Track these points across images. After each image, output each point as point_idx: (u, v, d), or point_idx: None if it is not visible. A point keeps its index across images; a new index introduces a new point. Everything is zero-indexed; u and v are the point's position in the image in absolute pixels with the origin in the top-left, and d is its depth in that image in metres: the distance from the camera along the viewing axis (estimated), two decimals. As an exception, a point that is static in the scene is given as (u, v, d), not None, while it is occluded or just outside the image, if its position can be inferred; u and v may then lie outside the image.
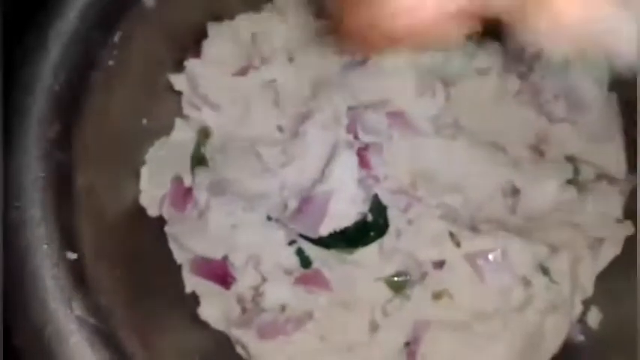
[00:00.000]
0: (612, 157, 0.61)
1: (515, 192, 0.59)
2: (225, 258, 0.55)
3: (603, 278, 0.58)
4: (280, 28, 0.64)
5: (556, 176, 0.59)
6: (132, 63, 0.56)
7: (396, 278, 0.55)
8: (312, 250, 0.55)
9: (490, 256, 0.53)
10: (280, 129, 0.62)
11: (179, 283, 0.58)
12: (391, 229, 0.56)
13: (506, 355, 0.53)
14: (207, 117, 0.62)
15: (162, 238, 0.58)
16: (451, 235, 0.54)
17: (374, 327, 0.54)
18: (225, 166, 0.60)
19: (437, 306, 0.53)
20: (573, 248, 0.57)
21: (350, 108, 0.58)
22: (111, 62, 0.54)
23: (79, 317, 0.45)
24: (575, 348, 0.57)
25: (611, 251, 0.58)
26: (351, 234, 0.55)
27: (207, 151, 0.62)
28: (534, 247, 0.54)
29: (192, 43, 0.62)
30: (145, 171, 0.59)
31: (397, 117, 0.59)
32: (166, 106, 0.62)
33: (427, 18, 0.40)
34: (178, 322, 0.56)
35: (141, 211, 0.58)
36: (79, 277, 0.47)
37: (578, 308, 0.57)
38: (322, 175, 0.56)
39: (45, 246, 0.47)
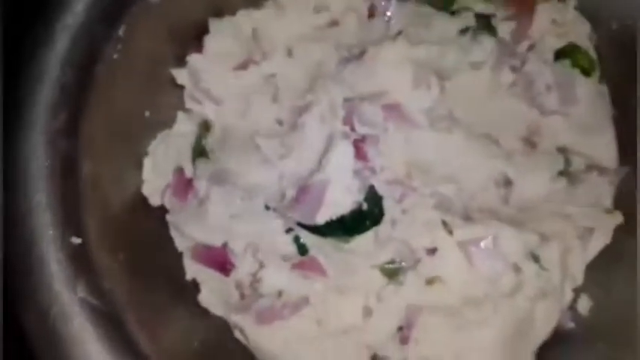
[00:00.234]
0: (603, 148, 0.62)
1: (507, 183, 0.60)
2: (224, 245, 0.57)
3: (593, 267, 0.59)
4: (280, 24, 0.66)
5: (548, 167, 0.60)
6: (135, 57, 0.58)
7: (390, 265, 0.56)
8: (308, 238, 0.57)
9: (482, 244, 0.55)
10: (279, 122, 0.63)
11: (180, 270, 0.59)
12: (386, 218, 0.57)
13: (497, 339, 0.54)
14: (209, 110, 0.64)
15: (163, 227, 0.60)
16: (444, 223, 0.56)
17: (368, 312, 0.55)
18: (226, 157, 0.61)
19: (429, 292, 0.54)
20: (564, 238, 0.58)
21: (346, 100, 0.59)
22: (115, 56, 0.56)
23: (82, 299, 0.47)
24: (566, 334, 0.58)
25: (601, 241, 0.60)
26: (348, 223, 0.56)
27: (208, 143, 0.63)
28: (525, 236, 0.56)
29: (194, 38, 0.64)
30: (147, 162, 0.61)
31: (393, 109, 0.60)
32: (169, 100, 0.64)
33: None
34: (179, 307, 0.57)
35: (143, 200, 0.60)
36: (83, 261, 0.49)
37: (569, 296, 0.59)
38: (319, 165, 0.57)
39: (50, 231, 0.48)
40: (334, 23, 0.66)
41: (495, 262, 0.55)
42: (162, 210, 0.60)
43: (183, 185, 0.60)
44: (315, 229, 0.56)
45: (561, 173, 0.60)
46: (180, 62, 0.64)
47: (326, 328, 0.54)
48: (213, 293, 0.58)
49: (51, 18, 0.53)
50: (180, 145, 0.63)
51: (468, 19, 0.64)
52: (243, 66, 0.64)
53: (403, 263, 0.56)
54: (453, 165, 0.60)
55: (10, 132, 0.50)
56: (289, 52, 0.65)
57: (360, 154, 0.57)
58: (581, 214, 0.59)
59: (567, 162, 0.61)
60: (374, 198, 0.57)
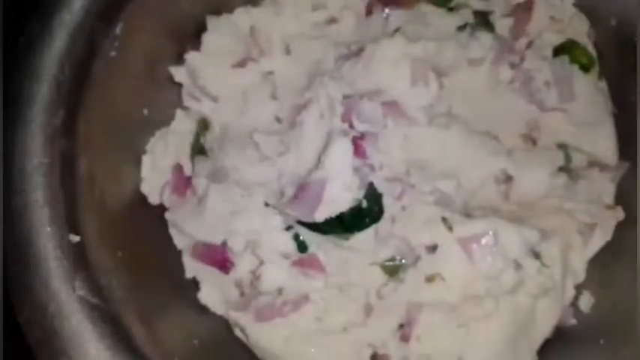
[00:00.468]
0: (603, 144, 0.62)
1: (507, 179, 0.60)
2: (224, 243, 0.57)
3: (595, 263, 0.59)
4: (278, 21, 0.66)
5: (548, 164, 0.60)
6: (133, 54, 0.58)
7: (390, 262, 0.56)
8: (308, 235, 0.56)
9: (482, 240, 0.54)
10: (278, 120, 0.63)
11: (179, 268, 0.59)
12: (386, 216, 0.57)
13: (499, 336, 0.54)
14: (207, 108, 0.64)
15: (162, 225, 0.60)
16: (444, 220, 0.55)
17: (368, 309, 0.55)
18: (224, 155, 0.61)
19: (430, 289, 0.54)
20: (565, 234, 0.57)
21: (345, 97, 0.59)
22: (113, 53, 0.56)
23: (80, 297, 0.47)
24: (567, 331, 0.58)
25: (602, 237, 0.59)
26: (347, 220, 0.56)
27: (207, 141, 0.63)
28: (526, 232, 0.55)
29: (192, 36, 0.64)
30: (146, 160, 0.61)
31: (392, 107, 0.60)
32: (167, 98, 0.64)
33: None
34: (178, 306, 0.57)
35: (142, 198, 0.60)
36: (81, 259, 0.48)
37: (570, 292, 0.58)
38: (318, 163, 0.57)
39: (48, 228, 0.48)
40: (332, 20, 0.66)
41: (496, 258, 0.54)
42: (161, 208, 0.60)
43: (182, 183, 0.60)
44: (315, 227, 0.56)
45: (561, 169, 0.60)
46: (179, 60, 0.63)
47: (326, 325, 0.54)
48: (213, 291, 0.58)
49: (48, 15, 0.53)
50: (178, 143, 0.62)
51: (466, 16, 0.64)
52: (241, 64, 0.64)
53: (403, 260, 0.56)
54: (452, 161, 0.60)
55: (7, 129, 0.50)
56: (287, 50, 0.65)
57: (358, 151, 0.57)
58: (582, 210, 0.59)
59: (567, 158, 0.61)
60: (373, 195, 0.57)
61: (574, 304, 0.58)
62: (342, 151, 0.56)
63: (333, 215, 0.55)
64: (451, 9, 0.65)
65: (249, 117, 0.63)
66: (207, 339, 0.56)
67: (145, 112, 0.61)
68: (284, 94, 0.63)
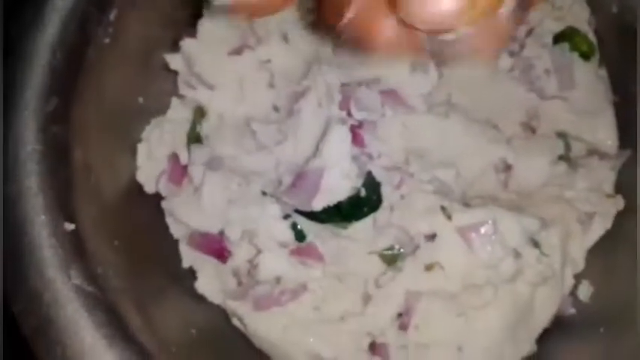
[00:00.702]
0: (603, 132, 0.62)
1: (507, 168, 0.60)
2: (221, 232, 0.56)
3: (595, 252, 0.59)
4: (275, 9, 0.65)
5: (547, 152, 0.60)
6: (128, 41, 0.57)
7: (388, 251, 0.55)
8: (306, 224, 0.56)
9: (481, 229, 0.54)
10: (276, 108, 0.62)
11: (176, 258, 0.59)
12: (384, 205, 0.56)
13: (498, 325, 0.53)
14: (203, 96, 0.63)
15: (159, 214, 0.59)
16: (443, 208, 0.55)
17: (367, 298, 0.54)
18: (221, 143, 0.60)
19: (429, 278, 0.54)
20: (564, 223, 0.57)
21: (343, 85, 0.58)
22: (107, 40, 0.55)
23: (76, 285, 0.46)
24: (567, 321, 0.57)
25: (601, 226, 0.59)
26: (345, 209, 0.56)
27: (203, 129, 0.62)
28: (525, 221, 0.55)
29: (188, 22, 0.63)
30: (141, 148, 0.60)
31: (390, 95, 0.59)
32: (162, 85, 0.63)
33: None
34: (175, 295, 0.57)
35: (138, 187, 0.59)
36: (76, 247, 0.48)
37: (570, 282, 0.58)
38: (316, 151, 0.56)
39: (42, 217, 0.47)
40: (330, 7, 0.65)
41: (495, 247, 0.54)
42: (158, 197, 0.59)
43: (179, 172, 0.59)
44: (313, 216, 0.56)
45: (561, 158, 0.60)
46: (174, 47, 0.62)
47: (324, 314, 0.54)
48: (210, 280, 0.57)
49: (41, 1, 0.52)
50: (174, 131, 0.62)
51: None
52: (237, 51, 0.63)
53: (402, 249, 0.55)
54: (451, 150, 0.59)
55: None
56: (285, 38, 0.64)
57: (357, 139, 0.57)
58: (582, 198, 0.59)
59: (567, 146, 0.61)
60: (372, 184, 0.56)
61: (573, 293, 0.58)
62: (340, 139, 0.56)
63: (331, 204, 0.55)
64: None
65: (246, 105, 0.63)
66: (205, 328, 0.55)
67: (140, 100, 0.61)
68: (281, 82, 0.62)
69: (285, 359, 0.55)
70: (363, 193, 0.56)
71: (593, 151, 0.61)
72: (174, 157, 0.60)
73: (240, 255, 0.56)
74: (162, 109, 0.63)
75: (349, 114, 0.58)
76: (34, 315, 0.45)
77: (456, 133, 0.59)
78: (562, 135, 0.61)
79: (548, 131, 0.61)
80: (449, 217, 0.55)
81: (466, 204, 0.57)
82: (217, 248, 0.56)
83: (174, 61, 0.63)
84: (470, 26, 0.34)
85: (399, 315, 0.54)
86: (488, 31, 0.36)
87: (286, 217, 0.56)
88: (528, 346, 0.55)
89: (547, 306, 0.56)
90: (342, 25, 0.37)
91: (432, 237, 0.55)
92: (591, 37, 0.64)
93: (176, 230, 0.59)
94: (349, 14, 0.36)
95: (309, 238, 0.56)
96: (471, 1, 0.33)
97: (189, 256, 0.58)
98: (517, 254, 0.54)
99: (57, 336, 0.44)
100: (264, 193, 0.57)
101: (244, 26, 0.64)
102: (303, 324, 0.53)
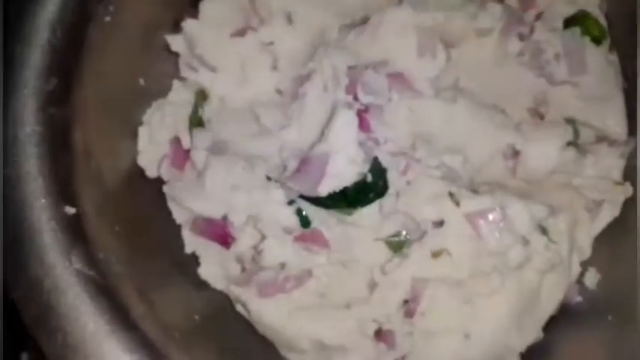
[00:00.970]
0: (612, 118, 0.61)
1: (515, 154, 0.59)
2: (224, 218, 0.55)
3: (602, 240, 0.58)
4: (279, -12, 0.63)
5: (556, 138, 0.59)
6: (128, 20, 0.56)
7: (394, 238, 0.55)
8: (311, 210, 0.55)
9: (490, 216, 0.53)
10: (279, 92, 0.61)
11: (179, 243, 0.58)
12: (391, 191, 0.56)
13: (505, 312, 0.53)
14: (205, 78, 0.62)
15: (161, 199, 0.58)
16: (450, 195, 0.54)
17: (372, 285, 0.54)
18: (224, 127, 0.59)
19: (436, 264, 0.53)
20: (572, 210, 0.57)
21: (350, 68, 0.57)
22: (107, 18, 0.54)
23: (77, 270, 0.45)
24: (573, 308, 0.57)
25: (609, 213, 0.58)
26: (351, 195, 0.55)
27: (205, 112, 0.61)
28: (533, 208, 0.54)
29: (190, 3, 0.61)
30: (142, 132, 0.59)
31: (397, 78, 0.58)
32: (163, 67, 0.62)
33: None
34: (178, 281, 0.56)
35: (139, 171, 0.58)
36: (77, 232, 0.47)
37: (576, 269, 0.58)
38: (321, 136, 0.55)
39: (42, 200, 0.46)
40: (336, -13, 0.64)
41: (503, 234, 0.53)
42: (160, 181, 0.58)
43: (181, 156, 0.58)
44: (318, 201, 0.55)
45: (570, 144, 0.59)
46: (175, 28, 0.61)
47: (329, 301, 0.53)
48: (214, 266, 0.56)
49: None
50: (176, 114, 0.60)
51: (476, -15, 0.62)
52: (240, 33, 0.62)
53: (408, 236, 0.55)
54: (458, 135, 0.58)
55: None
56: (289, 18, 0.62)
57: (363, 124, 0.56)
58: (590, 185, 0.58)
59: (576, 133, 0.60)
60: (378, 170, 0.56)
61: (580, 280, 0.58)
62: (346, 124, 0.55)
63: (337, 190, 0.54)
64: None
65: (249, 88, 0.61)
66: (208, 314, 0.54)
67: (141, 81, 0.59)
68: (285, 65, 0.61)
69: (289, 345, 0.54)
70: (369, 178, 0.55)
71: (602, 138, 0.60)
72: (176, 141, 0.59)
73: (244, 241, 0.55)
74: (163, 92, 0.61)
75: (355, 98, 0.56)
76: (34, 302, 0.44)
77: (463, 118, 0.58)
78: (571, 121, 0.60)
79: (557, 117, 0.60)
80: (457, 204, 0.54)
81: (474, 190, 0.56)
82: (221, 234, 0.55)
83: (175, 42, 0.61)
84: None
85: (405, 302, 0.53)
86: None
87: (291, 202, 0.55)
88: (535, 334, 0.55)
89: (554, 293, 0.55)
90: None
91: (439, 223, 0.54)
92: (602, 21, 0.62)
93: (179, 215, 0.58)
94: None
95: (314, 224, 0.55)
96: None
97: (192, 242, 0.57)
98: (525, 241, 0.54)
99: (58, 323, 0.44)
100: (268, 178, 0.56)
101: (247, 6, 0.63)
102: (307, 310, 0.52)
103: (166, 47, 0.61)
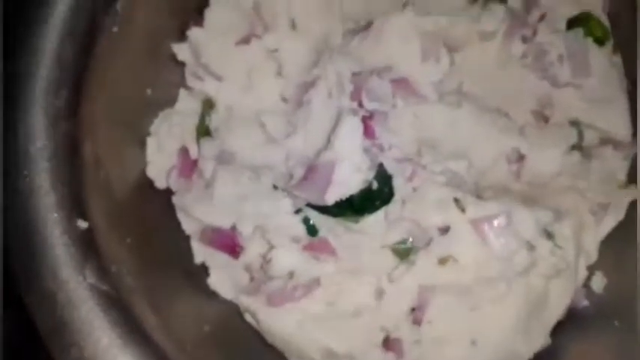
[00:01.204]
0: (617, 121, 0.61)
1: (519, 158, 0.59)
2: (233, 227, 0.56)
3: (608, 244, 0.59)
4: (282, -5, 0.63)
5: (560, 141, 0.59)
6: (135, 31, 0.56)
7: (401, 245, 0.55)
8: (318, 219, 0.55)
9: (495, 222, 0.54)
10: (284, 99, 0.61)
11: (188, 254, 0.58)
12: (396, 198, 0.56)
13: (512, 318, 0.53)
14: (211, 87, 0.62)
15: (170, 209, 0.59)
16: (456, 201, 0.54)
17: (380, 293, 0.54)
18: (230, 136, 0.60)
19: (442, 271, 0.53)
20: (577, 214, 0.57)
21: (354, 74, 0.57)
22: (115, 28, 0.54)
23: (91, 285, 0.46)
24: (580, 313, 0.57)
25: (614, 217, 0.59)
26: (357, 203, 0.55)
27: (212, 121, 0.62)
28: (539, 213, 0.55)
29: (195, 11, 0.62)
30: (151, 142, 0.59)
31: (401, 84, 0.58)
32: (170, 77, 0.62)
33: None
34: (188, 292, 0.57)
35: (148, 182, 0.58)
36: (90, 246, 0.47)
37: (583, 273, 0.58)
38: (327, 144, 0.56)
39: (55, 214, 0.47)
40: (339, -7, 0.64)
41: (509, 240, 0.53)
42: (169, 192, 0.59)
43: (189, 166, 0.59)
44: (325, 209, 0.55)
45: (574, 147, 0.59)
46: (181, 37, 0.61)
47: (338, 310, 0.54)
48: (223, 276, 0.57)
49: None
50: (183, 124, 0.61)
51: (479, -12, 0.62)
52: (245, 40, 0.62)
53: (414, 243, 0.55)
54: (463, 140, 0.59)
55: (8, 110, 0.48)
56: (293, 25, 0.63)
57: (367, 131, 0.56)
58: (595, 189, 0.58)
59: (580, 135, 0.60)
60: (383, 177, 0.56)
61: (586, 285, 0.58)
62: (351, 131, 0.55)
63: (343, 197, 0.54)
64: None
65: (255, 96, 0.62)
66: (218, 325, 0.55)
67: (149, 91, 0.60)
68: (290, 72, 0.61)
69: (298, 355, 0.55)
70: (374, 185, 0.55)
71: (607, 140, 0.60)
72: (184, 151, 0.59)
73: (252, 250, 0.55)
74: (170, 101, 0.62)
75: (360, 104, 0.57)
76: (48, 316, 0.45)
77: (467, 122, 0.59)
78: (575, 123, 0.60)
79: (561, 120, 0.60)
80: (462, 210, 0.54)
81: (479, 196, 0.56)
82: (229, 244, 0.56)
83: (181, 51, 0.62)
84: None
85: (412, 309, 0.54)
86: None
87: (298, 211, 0.56)
88: (542, 340, 0.55)
89: (561, 298, 0.56)
90: None
91: (445, 230, 0.54)
92: (605, 21, 0.62)
93: (188, 226, 0.58)
94: None
95: (322, 232, 0.55)
96: None
97: (202, 252, 0.58)
98: (531, 246, 0.54)
99: (72, 337, 0.44)
100: (275, 187, 0.56)
101: (251, 13, 0.63)
102: (316, 319, 0.53)
103: (172, 57, 0.61)
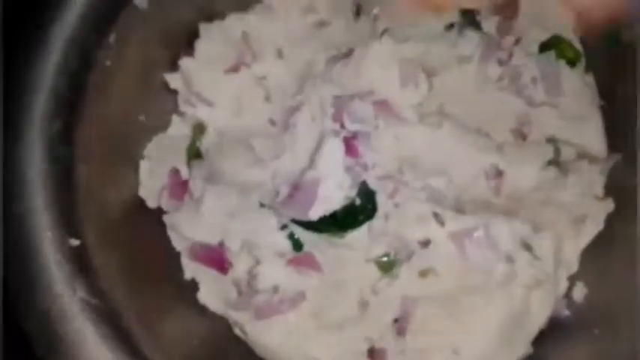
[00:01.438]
0: (591, 136, 0.63)
1: (498, 174, 0.61)
2: (221, 244, 0.58)
3: (588, 254, 0.60)
4: (269, 26, 0.66)
5: (538, 157, 0.61)
6: (128, 62, 0.59)
7: (384, 259, 0.57)
8: (303, 234, 0.57)
9: (474, 235, 0.55)
10: (272, 122, 0.64)
11: (178, 270, 0.60)
12: (379, 213, 0.58)
13: (493, 329, 0.55)
14: (202, 113, 0.65)
15: (161, 228, 0.61)
16: (435, 215, 0.56)
17: (364, 305, 0.56)
18: (220, 158, 0.62)
19: (423, 283, 0.55)
20: (556, 226, 0.58)
21: (336, 97, 0.60)
22: (108, 62, 0.57)
23: (82, 299, 0.48)
24: (562, 322, 0.58)
25: (593, 228, 0.60)
26: (341, 218, 0.57)
27: (203, 144, 0.64)
28: (517, 225, 0.56)
29: (185, 42, 0.65)
30: (143, 165, 0.62)
31: (382, 106, 0.61)
32: (162, 104, 0.65)
33: None
34: (178, 306, 0.58)
35: (140, 202, 0.61)
36: (82, 262, 0.50)
37: (564, 284, 0.59)
38: (311, 163, 0.58)
39: (49, 233, 0.49)
40: (322, 24, 0.67)
41: (488, 252, 0.55)
42: (160, 211, 0.61)
43: (180, 186, 0.61)
44: (310, 225, 0.57)
45: (551, 163, 0.61)
46: (173, 67, 0.64)
47: (323, 321, 0.55)
48: (212, 291, 0.58)
49: (44, 27, 0.54)
50: (175, 147, 0.63)
51: (453, 16, 0.65)
52: (234, 69, 0.65)
53: (397, 256, 0.57)
54: (443, 158, 0.60)
55: (7, 138, 0.51)
56: (279, 54, 0.66)
57: (351, 150, 0.58)
58: (573, 202, 0.60)
59: (557, 151, 0.62)
60: (366, 193, 0.58)
61: (568, 295, 0.59)
62: (333, 151, 0.57)
63: (327, 213, 0.56)
64: (438, 10, 0.66)
65: (244, 120, 0.64)
66: (208, 338, 0.57)
67: (142, 118, 0.62)
68: (277, 97, 0.64)
69: (286, 366, 0.56)
70: (357, 201, 0.57)
71: (583, 155, 0.62)
72: (175, 173, 0.62)
73: (240, 266, 0.57)
74: (163, 126, 0.65)
75: (342, 126, 0.59)
76: (42, 330, 0.47)
77: (448, 142, 0.61)
78: (552, 140, 0.62)
79: (539, 137, 0.63)
80: (442, 224, 0.56)
81: (459, 210, 0.58)
82: (218, 259, 0.58)
83: (173, 80, 0.64)
84: None
85: (396, 320, 0.55)
86: None
87: (283, 227, 0.58)
88: (524, 349, 0.56)
89: (542, 309, 0.57)
90: None
91: (426, 243, 0.56)
92: (577, 44, 0.65)
93: (178, 243, 0.60)
94: None
95: (307, 247, 0.57)
96: None
97: (191, 268, 0.60)
98: (510, 258, 0.56)
99: (65, 350, 0.46)
100: (262, 205, 0.58)
101: (240, 43, 0.66)
102: (302, 331, 0.54)
103: (165, 85, 0.64)
